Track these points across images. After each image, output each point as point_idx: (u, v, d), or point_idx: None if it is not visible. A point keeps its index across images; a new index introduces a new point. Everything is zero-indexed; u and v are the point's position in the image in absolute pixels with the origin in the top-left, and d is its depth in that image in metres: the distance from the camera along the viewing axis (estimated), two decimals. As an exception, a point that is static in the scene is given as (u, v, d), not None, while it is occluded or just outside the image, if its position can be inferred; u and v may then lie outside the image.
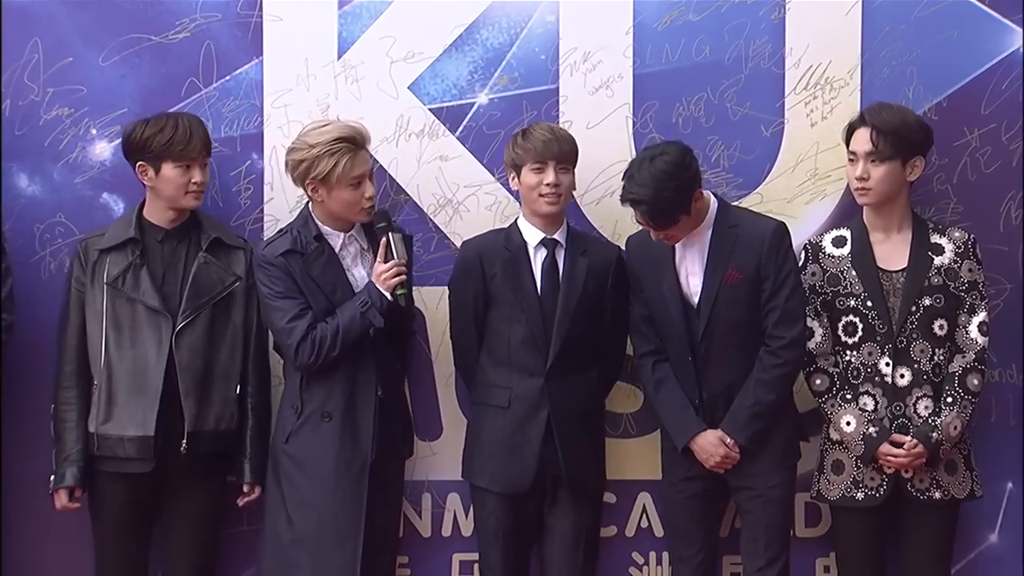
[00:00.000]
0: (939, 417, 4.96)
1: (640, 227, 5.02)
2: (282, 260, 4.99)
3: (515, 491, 5.06)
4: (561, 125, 5.32)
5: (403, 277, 4.95)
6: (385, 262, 4.97)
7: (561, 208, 5.10)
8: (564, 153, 5.07)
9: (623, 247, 5.25)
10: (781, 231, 5.02)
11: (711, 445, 5.00)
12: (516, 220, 5.17)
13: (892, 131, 4.96)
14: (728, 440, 4.98)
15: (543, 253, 5.10)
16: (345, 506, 4.96)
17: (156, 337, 5.05)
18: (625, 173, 4.93)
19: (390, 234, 4.99)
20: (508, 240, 5.14)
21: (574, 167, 5.12)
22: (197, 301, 5.09)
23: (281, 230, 5.10)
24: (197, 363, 5.07)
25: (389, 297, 4.93)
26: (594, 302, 5.11)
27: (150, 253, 5.12)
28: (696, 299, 5.01)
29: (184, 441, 5.03)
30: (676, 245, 5.02)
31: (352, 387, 5.01)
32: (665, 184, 4.83)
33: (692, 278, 5.02)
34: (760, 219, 5.09)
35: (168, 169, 5.06)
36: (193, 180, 5.08)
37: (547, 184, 5.03)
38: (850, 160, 5.07)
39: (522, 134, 5.11)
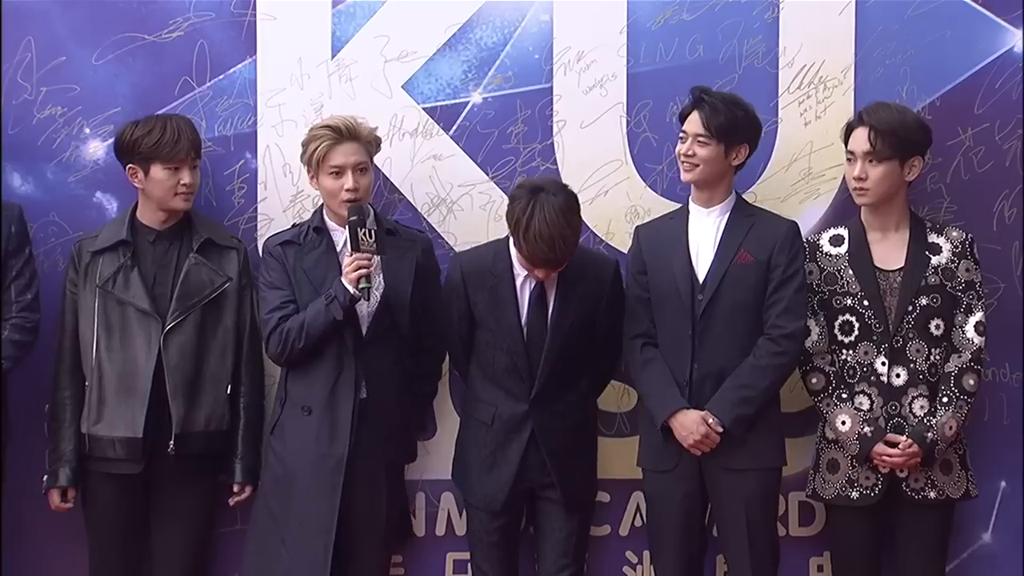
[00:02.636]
0: (935, 417, 4.96)
1: (631, 227, 5.01)
2: (279, 250, 5.05)
3: (488, 507, 5.05)
4: (555, 124, 5.33)
5: (363, 271, 4.89)
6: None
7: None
8: (560, 264, 4.88)
9: (616, 248, 5.28)
10: (796, 229, 5.07)
11: (692, 423, 4.94)
12: (509, 238, 5.00)
13: (890, 131, 4.96)
14: (711, 419, 4.93)
15: (532, 283, 5.00)
16: (318, 500, 4.97)
17: (145, 339, 5.05)
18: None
19: (349, 227, 4.92)
20: (495, 263, 5.03)
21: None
22: (186, 302, 5.08)
23: (295, 224, 5.17)
24: (186, 364, 5.06)
25: (351, 290, 4.90)
26: (587, 323, 5.04)
27: (141, 255, 5.12)
28: (704, 275, 5.01)
29: (172, 443, 5.02)
30: (690, 227, 5.04)
31: (333, 384, 5.01)
32: (740, 105, 5.03)
33: (703, 256, 5.03)
34: (777, 216, 5.15)
35: (157, 171, 5.07)
36: (182, 182, 5.08)
37: (537, 275, 4.93)
38: (848, 160, 5.07)
39: (525, 226, 4.76)
